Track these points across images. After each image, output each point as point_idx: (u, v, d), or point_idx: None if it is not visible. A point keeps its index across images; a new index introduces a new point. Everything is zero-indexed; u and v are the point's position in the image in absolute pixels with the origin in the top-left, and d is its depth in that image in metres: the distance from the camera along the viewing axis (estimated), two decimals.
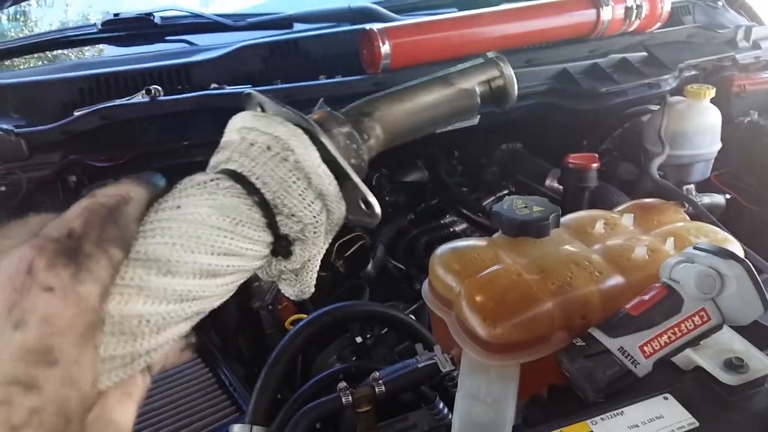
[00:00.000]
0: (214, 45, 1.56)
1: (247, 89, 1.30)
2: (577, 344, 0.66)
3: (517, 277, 0.72)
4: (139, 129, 1.25)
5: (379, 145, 0.52)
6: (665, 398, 0.63)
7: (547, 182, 1.44)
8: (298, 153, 0.42)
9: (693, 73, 1.60)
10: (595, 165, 1.32)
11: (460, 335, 0.71)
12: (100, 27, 1.60)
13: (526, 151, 1.66)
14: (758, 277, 0.64)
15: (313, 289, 0.48)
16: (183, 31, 1.66)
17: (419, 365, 0.76)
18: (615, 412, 0.61)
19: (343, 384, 0.75)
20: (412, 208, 1.54)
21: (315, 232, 0.44)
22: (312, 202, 0.43)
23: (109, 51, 1.85)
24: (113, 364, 0.35)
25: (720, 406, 0.62)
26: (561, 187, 1.39)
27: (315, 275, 0.47)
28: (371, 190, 0.44)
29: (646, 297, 0.66)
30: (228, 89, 1.27)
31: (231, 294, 0.41)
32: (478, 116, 1.52)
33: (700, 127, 1.41)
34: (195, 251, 0.37)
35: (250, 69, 1.40)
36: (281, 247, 0.44)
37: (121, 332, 0.35)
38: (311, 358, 1.11)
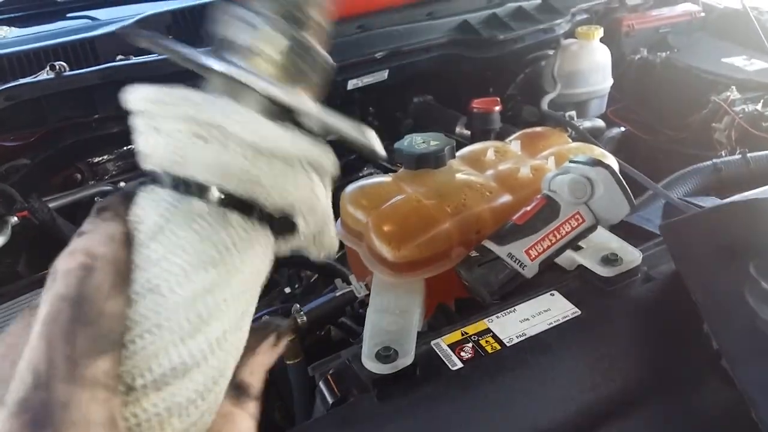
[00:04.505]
0: (117, 18, 1.55)
1: (151, 58, 1.29)
2: (472, 255, 0.73)
3: (417, 203, 0.79)
4: (47, 106, 1.24)
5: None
6: (552, 294, 0.71)
7: (457, 129, 1.51)
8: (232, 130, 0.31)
9: (585, 16, 1.70)
10: (497, 108, 1.39)
11: (370, 261, 0.78)
12: None
13: (437, 102, 1.73)
14: (623, 180, 0.73)
15: (337, 245, 0.39)
16: (84, 6, 1.64)
17: (336, 294, 0.82)
18: (508, 310, 0.69)
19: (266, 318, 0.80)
20: None
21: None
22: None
23: (9, 32, 1.79)
24: None
25: (599, 295, 0.70)
26: (469, 132, 1.47)
27: (333, 229, 0.38)
28: None
29: (529, 207, 0.74)
30: (134, 59, 1.28)
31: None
32: (387, 71, 1.56)
33: (592, 65, 1.51)
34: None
35: None
36: (280, 226, 0.35)
37: None
38: None
